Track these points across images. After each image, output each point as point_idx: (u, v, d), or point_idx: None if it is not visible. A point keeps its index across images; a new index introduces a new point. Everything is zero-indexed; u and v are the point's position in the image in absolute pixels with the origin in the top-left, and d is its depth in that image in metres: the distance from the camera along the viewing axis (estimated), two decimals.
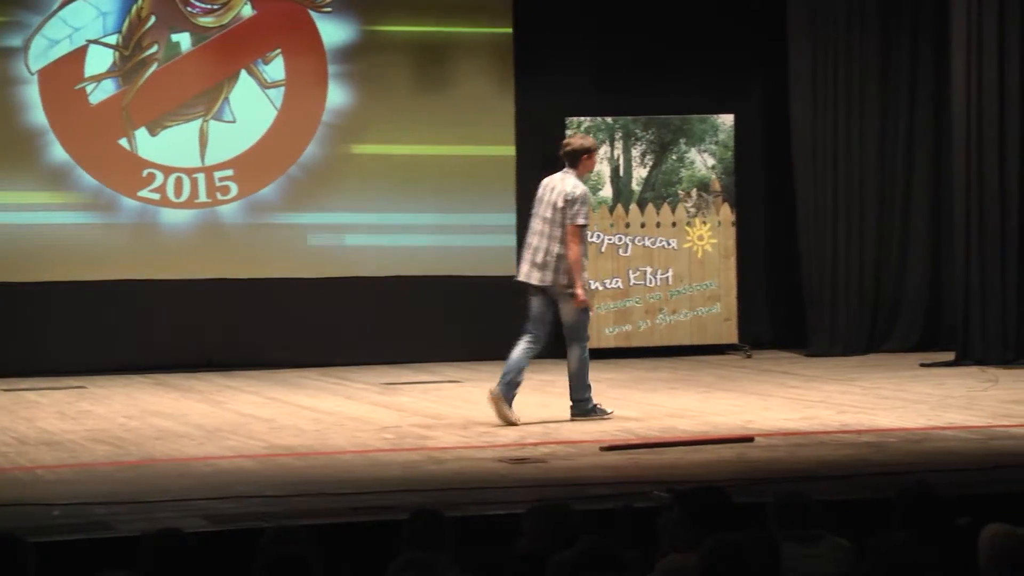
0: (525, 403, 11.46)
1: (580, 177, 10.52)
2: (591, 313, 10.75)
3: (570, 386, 10.55)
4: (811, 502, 5.89)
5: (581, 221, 10.32)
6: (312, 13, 13.91)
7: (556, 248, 10.36)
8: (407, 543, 5.60)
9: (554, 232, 10.35)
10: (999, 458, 8.77)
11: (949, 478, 8.13)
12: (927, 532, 5.65)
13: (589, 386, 10.51)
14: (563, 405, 11.32)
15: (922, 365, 13.21)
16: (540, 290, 10.49)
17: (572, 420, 10.48)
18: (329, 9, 13.93)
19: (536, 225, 10.49)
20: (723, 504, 5.65)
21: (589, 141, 10.73)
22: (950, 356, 13.34)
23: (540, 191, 10.57)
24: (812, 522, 5.78)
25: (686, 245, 14.17)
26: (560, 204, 10.36)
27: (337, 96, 13.95)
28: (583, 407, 10.52)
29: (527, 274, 10.53)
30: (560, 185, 10.44)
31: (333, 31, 13.95)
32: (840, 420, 10.32)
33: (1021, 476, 8.29)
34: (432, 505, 6.22)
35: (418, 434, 10.07)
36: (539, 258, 10.42)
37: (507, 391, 10.36)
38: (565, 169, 10.52)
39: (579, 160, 10.48)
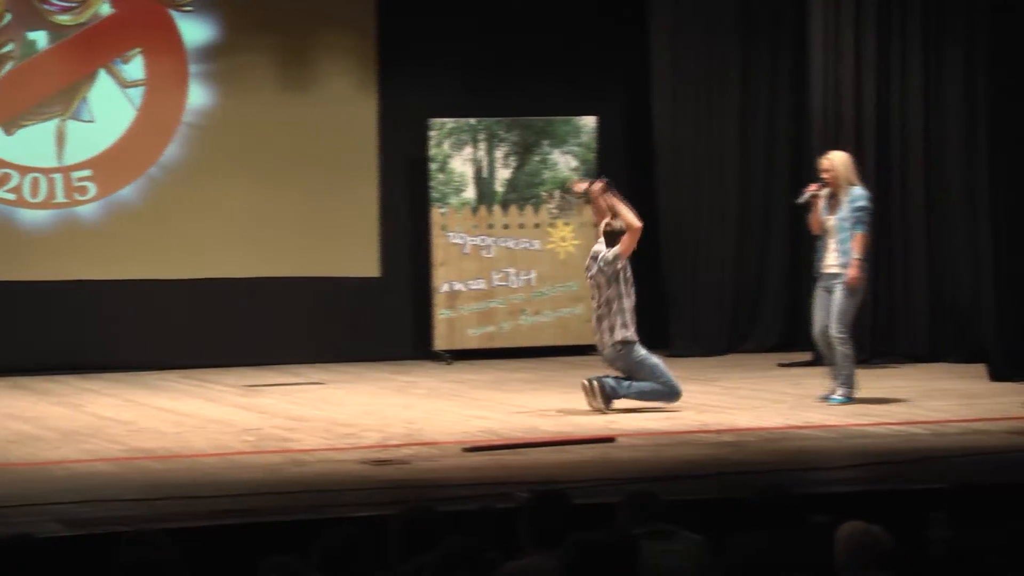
0: (388, 404, 11.45)
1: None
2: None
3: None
4: (660, 500, 5.94)
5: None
6: (172, 12, 13.77)
7: None
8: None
9: None
10: (855, 456, 8.91)
11: (806, 476, 8.25)
12: (784, 530, 5.71)
13: None
14: (426, 407, 11.32)
15: (780, 365, 13.38)
16: None
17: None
18: (190, 8, 13.79)
19: None
20: (565, 508, 5.69)
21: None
22: (808, 356, 13.51)
23: None
24: (662, 519, 5.82)
25: (549, 246, 14.22)
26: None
27: (199, 96, 13.82)
28: None
29: None
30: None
31: (194, 31, 13.81)
32: (700, 420, 10.42)
33: (876, 474, 8.42)
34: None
35: (280, 436, 10.00)
36: None
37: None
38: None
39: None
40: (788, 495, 6.01)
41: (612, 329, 10.83)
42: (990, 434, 9.69)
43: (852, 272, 10.85)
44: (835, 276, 10.95)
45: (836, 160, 11.09)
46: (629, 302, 10.85)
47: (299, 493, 7.91)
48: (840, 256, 10.91)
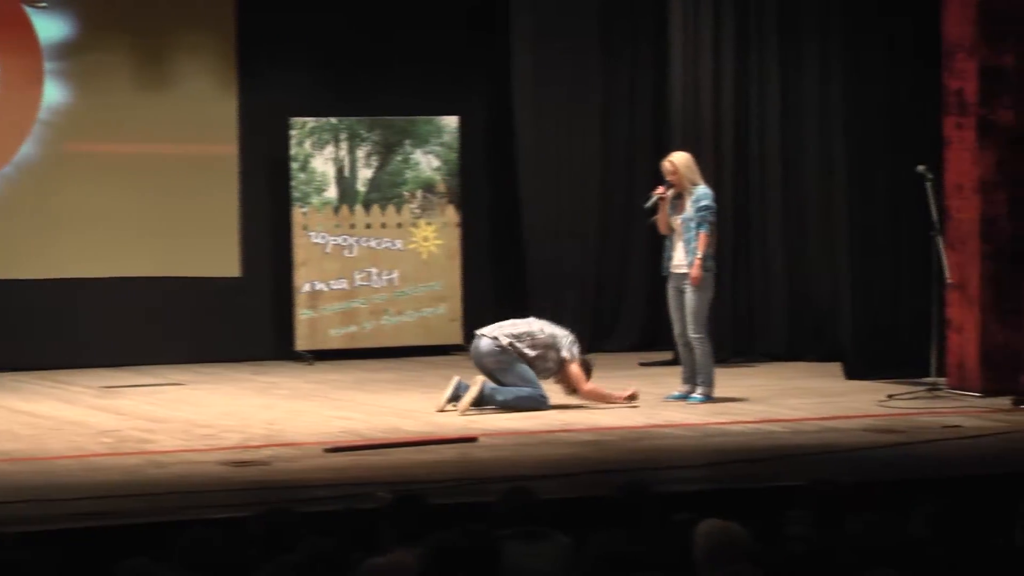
0: (249, 405, 11.36)
1: None
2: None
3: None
4: (536, 500, 5.95)
5: None
6: (28, 9, 13.55)
7: None
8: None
9: None
10: (714, 455, 9.00)
11: (666, 475, 8.32)
12: (644, 529, 5.76)
13: None
14: (287, 407, 11.25)
15: (641, 364, 13.47)
16: None
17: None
18: (45, 5, 13.58)
19: None
20: (423, 509, 5.70)
21: None
22: (668, 355, 13.62)
23: None
24: (537, 520, 5.84)
25: (411, 246, 14.20)
26: None
27: (55, 94, 13.61)
28: None
29: None
30: None
31: (50, 28, 13.60)
32: (562, 419, 10.46)
33: (735, 472, 8.51)
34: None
35: (139, 438, 9.89)
36: None
37: None
38: None
39: None
40: (648, 493, 6.05)
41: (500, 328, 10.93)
42: (846, 432, 9.84)
43: (695, 272, 10.97)
44: (684, 276, 11.07)
45: (678, 161, 11.20)
46: None
47: (158, 495, 7.83)
48: (688, 256, 11.02)
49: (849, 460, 8.78)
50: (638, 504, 5.97)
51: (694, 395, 11.12)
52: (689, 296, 11.04)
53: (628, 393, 11.00)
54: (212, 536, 5.32)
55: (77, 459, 9.14)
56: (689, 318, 11.05)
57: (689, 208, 11.04)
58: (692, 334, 11.05)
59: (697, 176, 11.18)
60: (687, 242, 11.03)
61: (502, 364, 10.87)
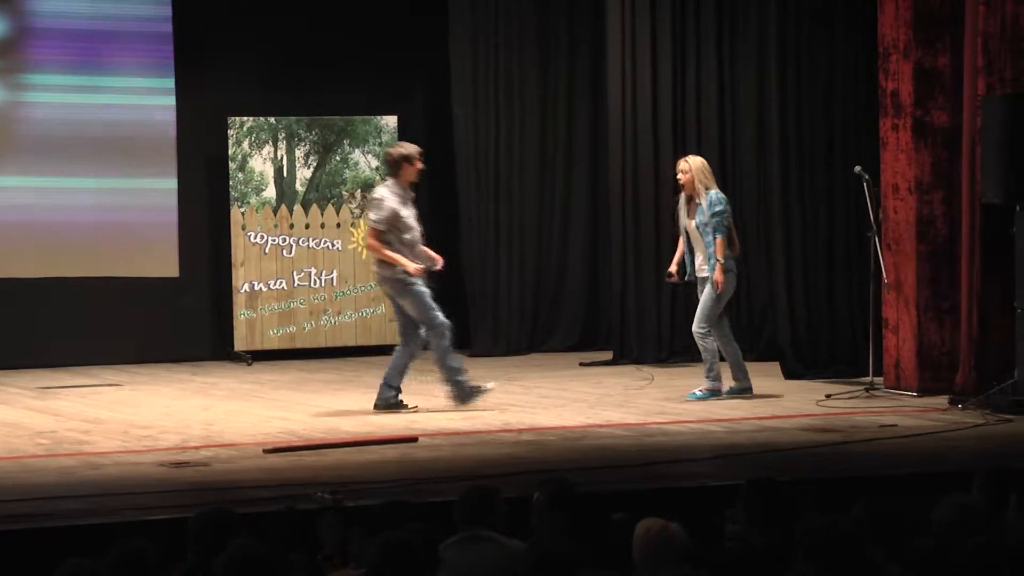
0: (187, 405, 11.31)
1: (402, 185, 10.78)
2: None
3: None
4: (499, 496, 5.95)
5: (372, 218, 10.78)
6: None
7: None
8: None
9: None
10: (653, 454, 9.02)
11: (606, 475, 8.34)
12: (578, 528, 5.77)
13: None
14: (226, 408, 11.22)
15: (581, 364, 13.50)
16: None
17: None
18: None
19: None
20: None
21: (407, 148, 10.88)
22: (608, 355, 13.67)
23: None
24: (499, 516, 5.84)
25: (351, 246, 14.17)
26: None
27: None
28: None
29: None
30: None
31: None
32: (502, 419, 10.47)
33: (674, 472, 8.54)
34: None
35: (75, 439, 9.83)
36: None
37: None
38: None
39: (400, 168, 10.77)
40: (571, 493, 6.05)
41: None
42: (784, 431, 9.89)
43: (717, 276, 11.02)
44: (707, 279, 11.14)
45: (693, 163, 11.28)
46: None
47: (95, 496, 7.78)
48: (708, 260, 11.10)
49: (786, 459, 8.83)
50: (565, 504, 5.97)
51: (696, 391, 11.16)
52: (705, 296, 11.14)
53: (422, 267, 10.86)
54: (143, 548, 5.28)
55: (13, 460, 9.07)
56: (698, 312, 11.16)
57: (704, 213, 11.09)
58: (696, 327, 11.14)
59: (711, 181, 11.24)
60: (706, 247, 11.10)
61: (396, 289, 10.84)
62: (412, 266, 10.75)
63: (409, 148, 11.01)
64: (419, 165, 10.94)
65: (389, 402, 10.83)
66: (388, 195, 10.84)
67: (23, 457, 9.20)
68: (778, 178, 12.80)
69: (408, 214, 10.87)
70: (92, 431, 10.14)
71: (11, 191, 13.55)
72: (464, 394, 10.81)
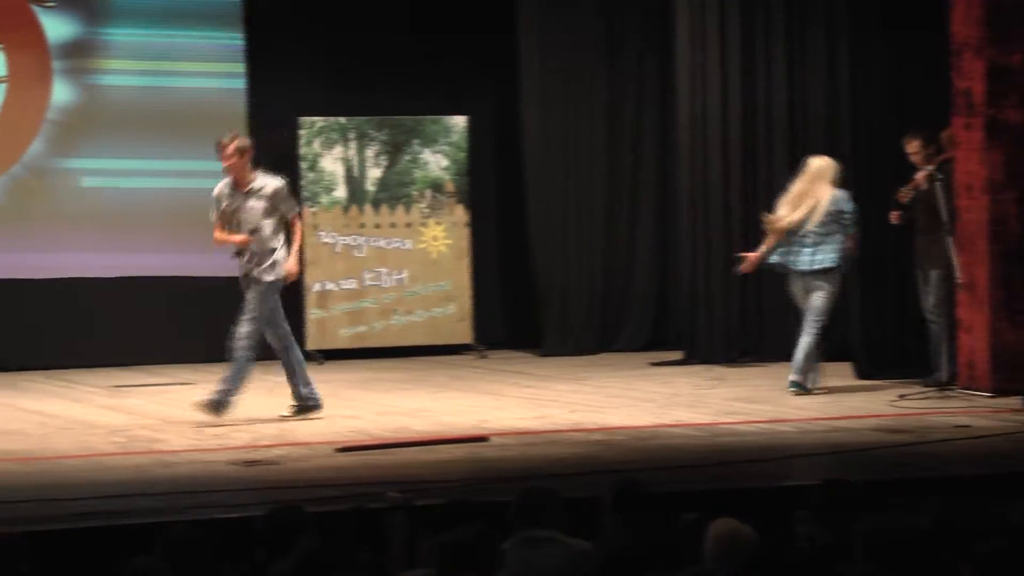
0: (259, 404, 11.35)
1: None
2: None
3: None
4: (558, 498, 5.93)
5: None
6: (35, 8, 13.57)
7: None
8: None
9: None
10: (724, 455, 8.99)
11: (676, 475, 8.31)
12: (652, 529, 5.75)
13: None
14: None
15: (651, 364, 13.46)
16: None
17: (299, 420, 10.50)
18: (53, 4, 13.60)
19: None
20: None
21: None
22: (678, 355, 13.62)
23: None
24: (558, 518, 5.82)
25: (420, 246, 14.20)
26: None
27: (63, 93, 13.63)
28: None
29: None
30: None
31: (58, 27, 13.62)
32: (571, 419, 10.45)
33: (745, 472, 8.50)
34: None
35: (148, 437, 9.90)
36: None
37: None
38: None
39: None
40: (643, 492, 6.04)
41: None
42: (855, 432, 9.83)
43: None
44: (817, 273, 11.34)
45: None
46: None
47: (167, 495, 7.83)
48: (831, 254, 11.35)
49: (858, 460, 8.77)
50: (635, 504, 5.95)
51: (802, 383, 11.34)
52: (822, 288, 11.28)
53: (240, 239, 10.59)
54: (197, 535, 5.30)
55: (86, 458, 9.15)
56: (814, 311, 11.31)
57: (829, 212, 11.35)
58: (811, 325, 11.30)
59: (834, 180, 11.48)
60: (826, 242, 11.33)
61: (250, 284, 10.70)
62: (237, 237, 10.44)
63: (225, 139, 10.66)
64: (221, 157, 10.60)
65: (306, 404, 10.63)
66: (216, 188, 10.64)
67: (97, 455, 9.28)
68: (849, 175, 12.71)
69: (239, 206, 10.58)
70: (164, 429, 10.20)
71: (86, 190, 13.66)
72: (216, 406, 10.39)
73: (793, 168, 13.53)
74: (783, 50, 13.44)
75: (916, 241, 11.70)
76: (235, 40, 13.93)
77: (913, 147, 11.59)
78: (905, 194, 11.50)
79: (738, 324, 13.47)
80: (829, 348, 13.20)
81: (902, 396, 11.11)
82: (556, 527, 5.76)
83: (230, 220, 10.57)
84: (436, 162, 14.26)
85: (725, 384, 12.22)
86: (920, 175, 11.43)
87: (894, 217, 11.64)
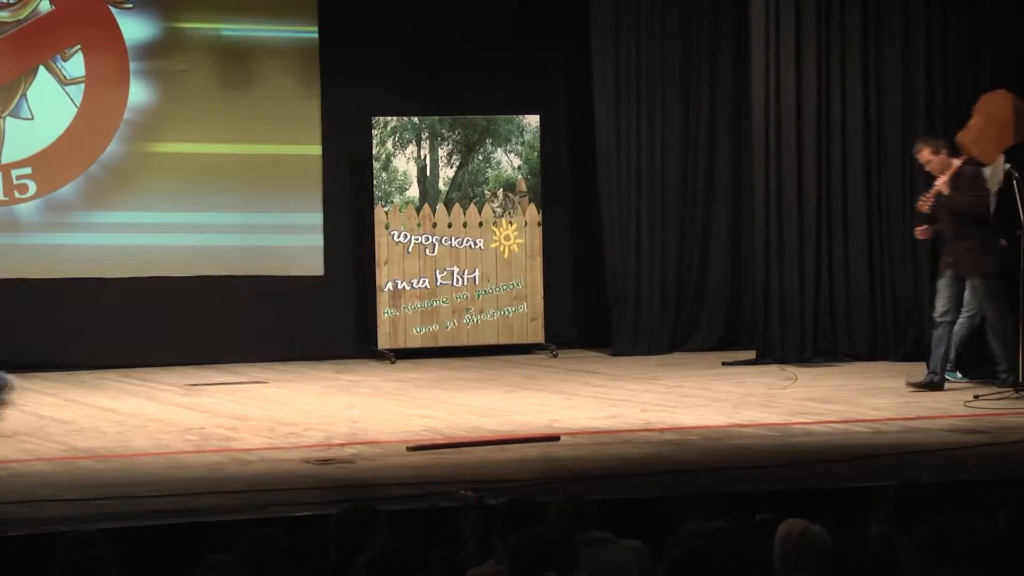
0: (332, 403, 11.42)
1: None
2: None
3: None
4: (590, 503, 5.92)
5: None
6: (113, 9, 13.70)
7: None
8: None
9: None
10: (796, 455, 8.95)
11: (748, 475, 8.28)
12: (724, 529, 5.74)
13: None
14: (370, 406, 11.31)
15: (724, 364, 13.41)
16: None
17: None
18: (130, 5, 13.72)
19: None
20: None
21: None
22: (751, 355, 13.57)
23: None
24: (592, 523, 5.81)
25: (493, 245, 14.22)
26: None
27: (139, 94, 13.75)
28: None
29: None
30: None
31: (135, 28, 13.74)
32: (643, 418, 10.44)
33: (817, 472, 8.46)
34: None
35: (222, 435, 9.97)
36: None
37: None
38: None
39: None
40: (721, 493, 6.03)
41: None
42: (929, 432, 9.76)
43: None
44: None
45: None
46: None
47: (241, 492, 7.88)
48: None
49: (932, 461, 8.71)
50: (713, 504, 5.95)
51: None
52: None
53: None
54: (275, 534, 5.33)
55: (162, 456, 9.22)
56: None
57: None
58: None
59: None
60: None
61: None
62: None
63: None
64: None
65: None
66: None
67: (172, 453, 9.35)
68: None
69: None
70: (239, 428, 10.27)
71: (161, 191, 13.78)
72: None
73: (867, 167, 13.51)
74: (858, 47, 13.36)
75: (945, 247, 11.52)
76: (310, 39, 13.99)
77: (924, 155, 11.43)
78: (926, 202, 11.32)
79: (811, 323, 13.40)
80: (905, 348, 13.18)
81: (976, 397, 11.03)
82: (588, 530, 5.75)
83: None
84: (509, 161, 14.27)
85: (798, 384, 12.17)
86: (940, 181, 11.28)
87: (920, 232, 11.47)
